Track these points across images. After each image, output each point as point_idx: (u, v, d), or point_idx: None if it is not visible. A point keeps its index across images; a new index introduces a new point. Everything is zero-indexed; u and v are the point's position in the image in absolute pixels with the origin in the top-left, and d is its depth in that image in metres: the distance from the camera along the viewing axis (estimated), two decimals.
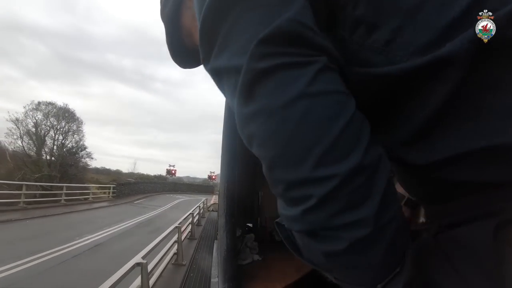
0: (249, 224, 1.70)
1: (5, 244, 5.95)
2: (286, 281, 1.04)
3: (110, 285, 2.18)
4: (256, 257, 1.28)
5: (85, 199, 15.53)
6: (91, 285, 3.27)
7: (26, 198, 10.87)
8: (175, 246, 5.44)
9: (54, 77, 68.61)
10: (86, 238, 7.25)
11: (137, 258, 2.93)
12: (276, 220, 0.35)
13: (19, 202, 10.38)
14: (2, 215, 8.72)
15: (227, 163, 0.92)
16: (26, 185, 11.52)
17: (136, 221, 10.85)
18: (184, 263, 5.47)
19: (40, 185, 13.04)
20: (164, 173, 43.33)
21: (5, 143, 19.92)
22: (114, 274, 2.35)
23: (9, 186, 12.31)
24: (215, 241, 4.24)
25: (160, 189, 33.28)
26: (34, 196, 11.42)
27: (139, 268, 2.87)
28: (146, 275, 2.96)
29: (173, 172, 41.44)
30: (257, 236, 1.44)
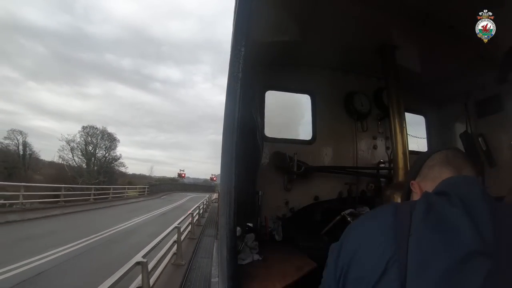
0: (249, 224, 1.73)
1: (122, 214, 14.07)
2: (286, 281, 1.05)
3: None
4: (256, 256, 1.29)
5: (133, 195, 24.16)
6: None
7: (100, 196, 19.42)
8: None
9: (53, 78, 67.03)
10: (154, 212, 15.53)
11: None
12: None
13: (108, 197, 18.90)
14: (103, 203, 16.99)
15: (228, 163, 0.93)
16: (101, 187, 20.20)
17: (171, 207, 19.21)
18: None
19: (111, 187, 21.51)
20: (171, 174, 52.48)
21: (38, 153, 28.03)
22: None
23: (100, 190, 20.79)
24: (215, 240, 4.18)
25: (174, 188, 42.33)
26: (111, 193, 19.97)
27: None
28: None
29: (183, 175, 50.78)
30: (257, 236, 1.46)
